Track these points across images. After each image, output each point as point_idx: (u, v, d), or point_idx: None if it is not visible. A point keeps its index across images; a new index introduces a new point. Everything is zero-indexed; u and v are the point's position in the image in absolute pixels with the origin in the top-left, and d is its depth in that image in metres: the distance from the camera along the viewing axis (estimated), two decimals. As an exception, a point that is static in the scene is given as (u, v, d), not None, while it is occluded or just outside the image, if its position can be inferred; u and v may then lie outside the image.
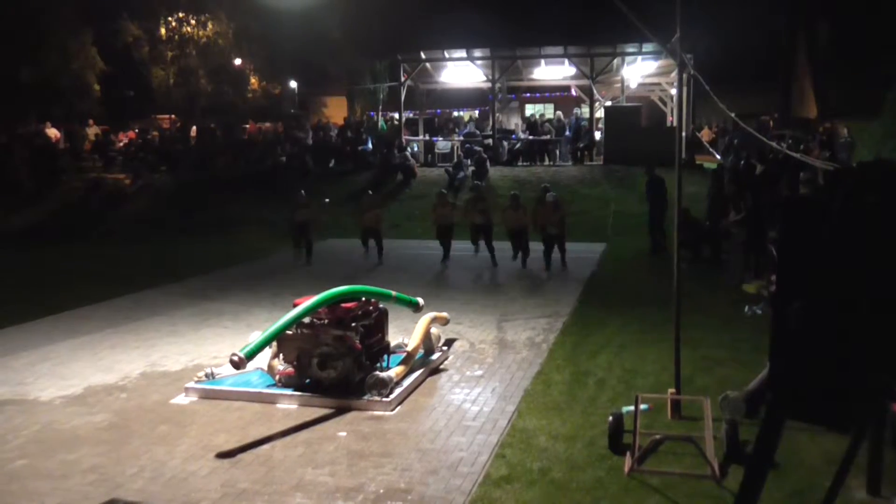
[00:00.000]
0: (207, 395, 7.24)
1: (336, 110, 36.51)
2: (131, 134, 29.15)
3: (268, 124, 31.86)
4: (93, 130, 28.50)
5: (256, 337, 6.81)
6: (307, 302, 7.11)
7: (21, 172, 23.39)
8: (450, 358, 8.42)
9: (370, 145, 25.74)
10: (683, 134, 12.30)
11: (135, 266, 14.76)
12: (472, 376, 7.79)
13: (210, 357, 8.52)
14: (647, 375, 7.69)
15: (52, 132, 26.99)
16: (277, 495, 5.26)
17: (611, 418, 6.02)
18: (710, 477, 5.36)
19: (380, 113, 29.97)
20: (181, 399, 7.23)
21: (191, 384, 7.39)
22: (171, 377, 7.89)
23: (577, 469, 5.62)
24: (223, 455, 5.93)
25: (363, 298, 7.75)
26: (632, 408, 6.12)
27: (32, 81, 26.43)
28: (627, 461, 5.62)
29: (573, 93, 29.95)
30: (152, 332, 9.69)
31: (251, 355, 6.46)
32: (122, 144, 28.32)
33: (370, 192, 17.50)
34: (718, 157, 21.30)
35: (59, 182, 23.91)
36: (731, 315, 9.85)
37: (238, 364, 6.39)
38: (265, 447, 6.09)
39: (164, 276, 13.37)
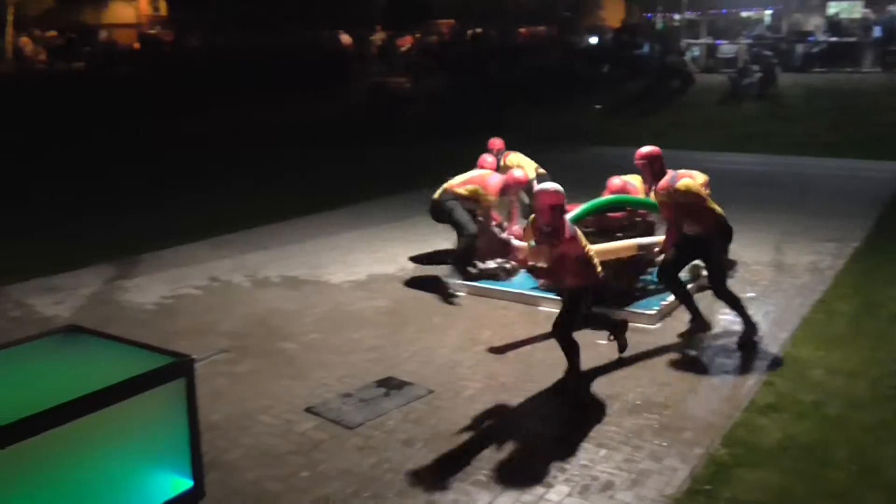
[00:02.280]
0: (475, 292, 7.61)
1: (613, 12, 35.16)
2: (409, 39, 30.38)
3: (541, 28, 31.59)
4: (379, 36, 30.16)
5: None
6: (573, 211, 7.10)
7: (312, 76, 25.41)
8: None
9: (647, 49, 24.59)
10: None
11: (410, 166, 15.63)
12: (743, 298, 7.36)
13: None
14: (954, 314, 6.78)
15: (345, 38, 29.01)
16: (536, 394, 5.45)
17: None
18: None
19: (658, 14, 28.38)
20: (452, 293, 7.67)
21: (461, 280, 7.81)
22: (443, 272, 8.38)
23: (856, 407, 5.16)
24: (492, 350, 6.24)
25: (629, 208, 7.60)
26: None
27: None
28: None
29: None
30: (426, 228, 10.27)
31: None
32: (403, 50, 29.72)
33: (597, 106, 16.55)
34: None
35: (348, 85, 25.80)
36: None
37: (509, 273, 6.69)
38: (527, 347, 6.30)
39: (436, 178, 14.03)
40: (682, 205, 6.07)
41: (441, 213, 8.00)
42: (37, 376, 3.97)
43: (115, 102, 21.55)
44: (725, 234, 6.22)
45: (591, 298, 5.61)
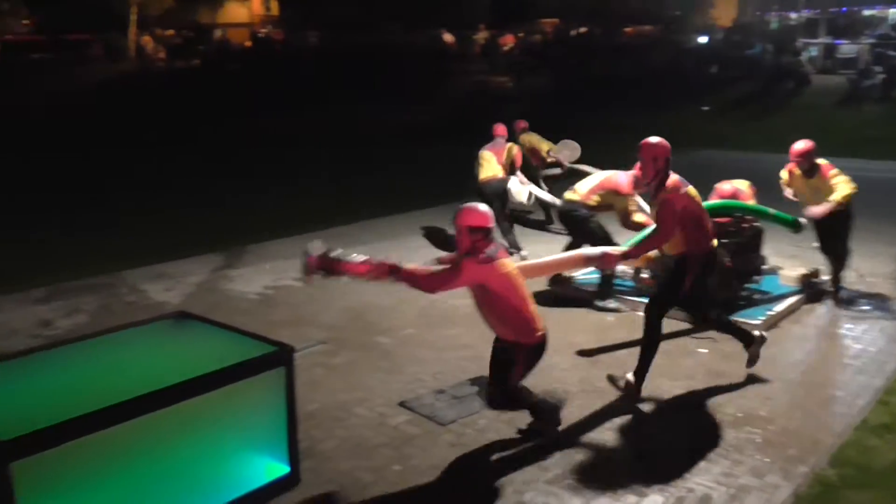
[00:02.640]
0: (574, 294, 7.50)
1: (724, 10, 34.04)
2: (511, 38, 30.26)
3: (648, 27, 30.93)
4: (482, 35, 30.22)
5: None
6: None
7: (420, 76, 25.79)
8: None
9: (758, 49, 23.71)
10: None
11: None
12: (857, 311, 7.00)
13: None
14: None
15: (448, 37, 29.22)
16: (631, 399, 5.33)
17: None
18: None
19: (773, 12, 27.30)
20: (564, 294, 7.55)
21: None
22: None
23: (983, 433, 4.82)
24: (583, 353, 6.16)
25: (737, 214, 7.32)
26: None
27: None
28: None
29: None
30: (526, 227, 10.22)
31: None
32: (505, 49, 29.68)
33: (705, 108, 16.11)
34: None
35: (451, 84, 25.97)
36: None
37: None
38: (622, 352, 6.17)
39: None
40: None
41: (571, 222, 7.52)
42: (149, 358, 4.18)
43: (225, 99, 22.42)
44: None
45: (704, 283, 5.27)
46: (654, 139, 5.25)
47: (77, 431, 3.33)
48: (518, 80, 25.53)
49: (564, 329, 6.66)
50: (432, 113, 22.92)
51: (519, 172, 9.10)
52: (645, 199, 6.54)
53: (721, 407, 5.22)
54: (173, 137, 18.67)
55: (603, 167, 7.97)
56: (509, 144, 9.21)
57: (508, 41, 30.15)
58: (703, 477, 4.37)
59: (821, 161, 7.04)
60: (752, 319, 6.58)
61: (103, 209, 11.48)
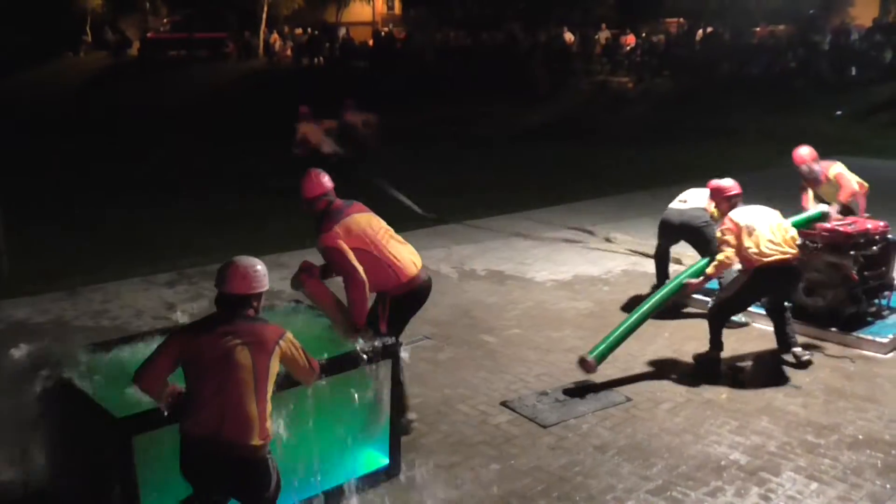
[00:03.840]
0: (684, 304, 7.29)
1: (865, 9, 32.08)
2: (631, 38, 29.54)
3: (781, 27, 29.54)
4: (604, 34, 29.71)
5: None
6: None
7: (539, 74, 25.64)
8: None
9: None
10: None
11: (627, 168, 15.28)
12: None
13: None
14: None
15: (568, 36, 28.89)
16: (742, 414, 5.14)
17: None
18: None
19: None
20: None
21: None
22: (649, 277, 8.12)
23: None
24: (694, 358, 5.99)
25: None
26: None
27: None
28: None
29: None
30: (638, 232, 9.98)
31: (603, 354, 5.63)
32: (628, 48, 29.07)
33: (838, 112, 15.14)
34: None
35: (570, 84, 25.67)
36: None
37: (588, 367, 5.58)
38: (736, 364, 5.96)
39: (653, 181, 13.61)
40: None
41: (693, 232, 6.97)
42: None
43: (351, 94, 22.96)
44: None
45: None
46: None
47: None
48: (639, 80, 24.97)
49: (676, 337, 6.49)
50: (553, 112, 22.70)
51: None
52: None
53: (840, 427, 4.96)
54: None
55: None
56: None
57: (630, 41, 29.50)
58: (816, 499, 4.18)
59: None
60: (878, 337, 6.21)
61: (233, 199, 11.94)
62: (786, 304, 6.03)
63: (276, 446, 3.61)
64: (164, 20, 40.02)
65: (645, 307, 5.95)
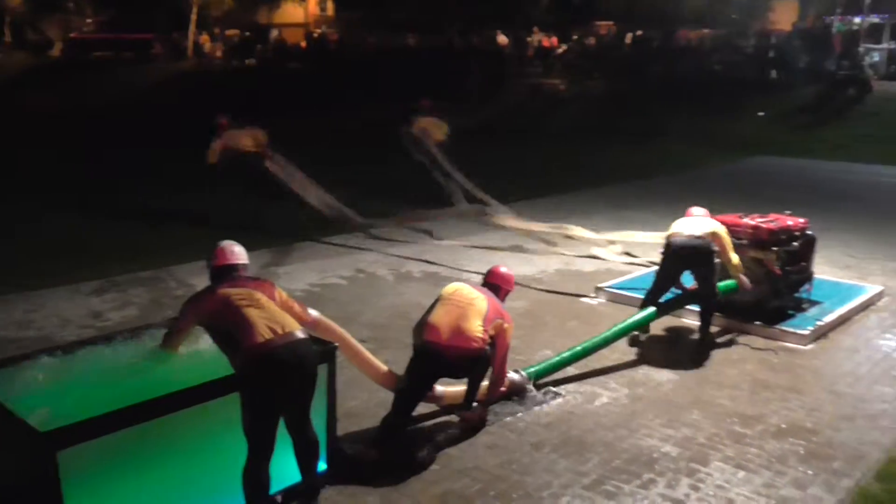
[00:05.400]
0: (615, 299, 7.46)
1: (784, 14, 33.28)
2: (554, 40, 29.88)
3: (706, 31, 30.43)
4: (537, 37, 30.09)
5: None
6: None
7: (474, 77, 25.76)
8: (884, 300, 7.47)
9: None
10: None
11: (558, 169, 15.50)
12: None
13: (622, 263, 8.73)
14: None
15: (502, 39, 29.16)
16: (674, 408, 5.28)
17: None
18: None
19: (835, 16, 26.63)
20: (590, 299, 7.56)
21: (602, 285, 7.68)
22: (583, 277, 8.27)
23: None
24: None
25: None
26: None
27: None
28: None
29: None
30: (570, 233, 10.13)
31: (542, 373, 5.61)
32: (560, 51, 29.50)
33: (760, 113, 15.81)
34: None
35: (504, 86, 25.87)
36: None
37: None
38: (669, 359, 6.11)
39: (584, 182, 13.86)
40: None
41: (702, 259, 6.32)
42: (195, 351, 4.24)
43: (279, 97, 22.66)
44: None
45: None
46: None
47: (120, 423, 3.45)
48: (571, 83, 25.37)
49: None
50: (490, 115, 22.82)
51: None
52: None
53: (765, 417, 5.13)
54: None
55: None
56: None
57: (554, 43, 29.86)
58: (743, 487, 4.31)
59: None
60: (799, 329, 6.46)
61: (156, 204, 11.68)
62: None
63: (209, 455, 3.54)
64: (88, 20, 38.78)
65: (597, 339, 5.87)
